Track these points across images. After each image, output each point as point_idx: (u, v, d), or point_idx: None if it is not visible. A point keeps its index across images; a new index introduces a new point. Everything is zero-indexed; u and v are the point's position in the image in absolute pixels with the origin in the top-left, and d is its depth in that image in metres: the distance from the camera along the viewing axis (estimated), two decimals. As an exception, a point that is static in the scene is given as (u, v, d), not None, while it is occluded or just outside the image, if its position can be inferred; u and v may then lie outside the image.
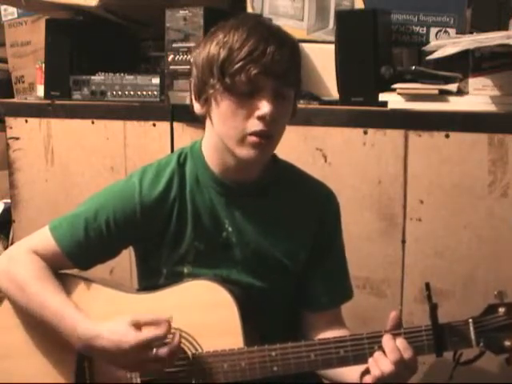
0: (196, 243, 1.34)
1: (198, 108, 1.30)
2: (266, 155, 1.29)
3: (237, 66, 1.20)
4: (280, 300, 1.38)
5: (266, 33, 1.22)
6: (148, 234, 1.35)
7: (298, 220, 1.37)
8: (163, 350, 1.19)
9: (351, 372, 1.24)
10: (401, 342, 1.16)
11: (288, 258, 1.36)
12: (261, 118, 1.21)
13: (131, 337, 1.19)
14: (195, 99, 1.30)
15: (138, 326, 1.21)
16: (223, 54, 1.21)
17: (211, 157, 1.33)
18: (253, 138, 1.23)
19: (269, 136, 1.24)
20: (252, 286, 1.34)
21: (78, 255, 1.34)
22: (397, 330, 1.18)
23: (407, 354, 1.15)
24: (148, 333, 1.20)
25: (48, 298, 1.29)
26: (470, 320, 1.16)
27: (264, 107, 1.21)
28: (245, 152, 1.24)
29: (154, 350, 1.19)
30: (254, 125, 1.22)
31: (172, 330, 1.22)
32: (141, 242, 1.38)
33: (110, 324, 1.23)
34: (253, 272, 1.34)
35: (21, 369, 1.34)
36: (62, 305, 1.28)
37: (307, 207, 1.38)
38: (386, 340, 1.17)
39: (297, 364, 1.21)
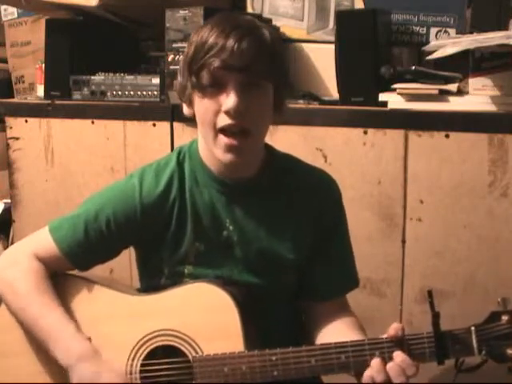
0: (196, 243, 1.33)
1: (185, 110, 1.31)
2: (247, 154, 1.27)
3: (200, 62, 1.20)
4: (282, 298, 1.38)
5: (228, 27, 1.21)
6: (148, 235, 1.35)
7: (300, 211, 1.35)
8: None
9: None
10: (404, 359, 1.15)
11: (292, 252, 1.34)
12: (227, 113, 1.21)
13: None
14: (182, 101, 1.31)
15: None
16: (191, 52, 1.23)
17: (207, 156, 1.33)
18: (224, 140, 1.22)
19: (243, 131, 1.22)
20: (253, 285, 1.33)
21: (78, 256, 1.34)
22: (397, 341, 1.16)
23: (410, 371, 1.14)
24: None
25: (45, 313, 1.29)
26: (473, 328, 1.14)
27: (228, 101, 1.20)
28: (221, 155, 1.24)
29: None
30: (222, 120, 1.21)
31: (172, 333, 1.22)
32: (141, 243, 1.38)
33: (108, 362, 1.26)
34: (255, 271, 1.34)
35: (20, 368, 1.33)
36: (59, 321, 1.28)
37: (308, 196, 1.36)
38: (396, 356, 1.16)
39: (297, 369, 1.20)
